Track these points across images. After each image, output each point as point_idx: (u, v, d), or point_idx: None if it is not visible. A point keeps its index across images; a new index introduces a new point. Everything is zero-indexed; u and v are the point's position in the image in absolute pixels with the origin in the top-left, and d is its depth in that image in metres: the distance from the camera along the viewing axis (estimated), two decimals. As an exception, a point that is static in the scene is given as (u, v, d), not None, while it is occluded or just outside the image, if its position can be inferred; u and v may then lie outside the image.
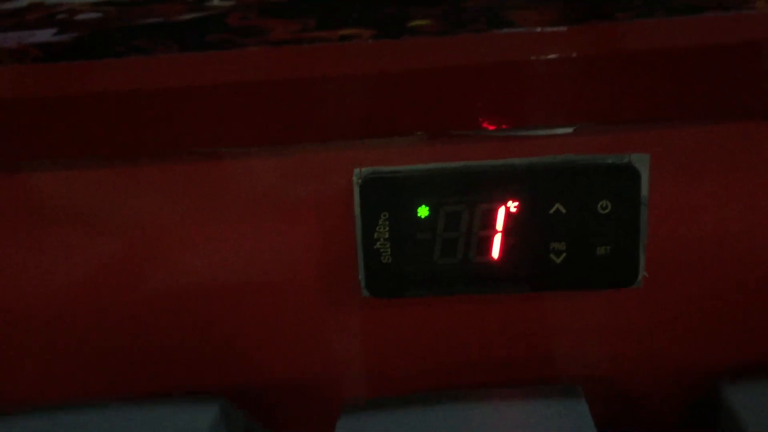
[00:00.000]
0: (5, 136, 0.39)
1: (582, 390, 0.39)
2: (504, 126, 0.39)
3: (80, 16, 0.31)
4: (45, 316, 0.46)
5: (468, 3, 0.32)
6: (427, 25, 0.33)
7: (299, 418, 0.47)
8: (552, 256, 0.42)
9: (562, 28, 0.36)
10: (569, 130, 0.41)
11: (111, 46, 0.33)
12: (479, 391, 0.41)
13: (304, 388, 0.47)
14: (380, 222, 0.42)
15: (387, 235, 0.42)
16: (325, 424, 0.41)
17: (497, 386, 0.44)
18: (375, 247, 0.42)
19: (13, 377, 0.47)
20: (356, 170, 0.42)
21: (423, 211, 0.42)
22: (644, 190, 0.40)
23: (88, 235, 0.44)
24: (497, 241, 0.42)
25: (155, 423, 0.38)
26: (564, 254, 0.41)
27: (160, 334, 0.46)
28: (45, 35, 0.34)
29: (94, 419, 0.39)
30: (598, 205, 0.41)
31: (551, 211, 0.41)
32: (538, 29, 0.36)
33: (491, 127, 0.39)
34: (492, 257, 0.42)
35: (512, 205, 0.41)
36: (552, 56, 0.36)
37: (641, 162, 0.40)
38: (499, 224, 0.42)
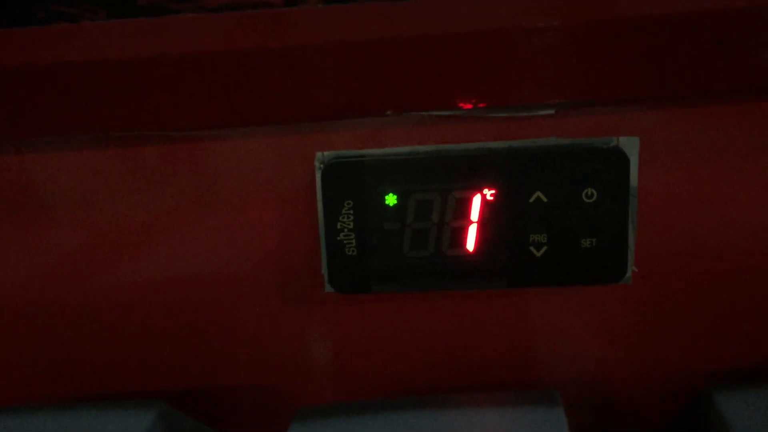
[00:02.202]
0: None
1: (560, 396, 0.36)
2: (480, 104, 0.36)
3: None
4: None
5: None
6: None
7: (256, 423, 0.44)
8: (532, 249, 0.38)
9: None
10: (551, 111, 0.37)
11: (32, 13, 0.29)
12: (447, 397, 0.37)
13: (261, 392, 0.43)
14: (344, 211, 0.38)
15: (351, 225, 0.39)
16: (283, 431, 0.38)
17: (471, 391, 0.41)
18: (338, 238, 0.39)
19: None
20: (318, 154, 0.38)
21: (391, 199, 0.38)
22: (633, 176, 0.37)
23: (26, 226, 0.41)
24: (472, 232, 0.38)
25: (85, 429, 0.35)
26: (545, 247, 0.38)
27: (103, 332, 0.42)
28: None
29: (19, 424, 0.36)
30: (583, 194, 0.37)
31: (531, 200, 0.38)
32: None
33: (466, 106, 0.36)
34: (466, 250, 0.39)
35: (489, 193, 0.38)
36: (535, 24, 0.32)
37: (630, 146, 0.37)
38: (475, 214, 0.38)
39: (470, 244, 0.38)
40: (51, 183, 0.40)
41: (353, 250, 0.39)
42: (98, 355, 0.43)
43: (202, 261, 0.41)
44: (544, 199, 0.37)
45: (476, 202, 0.38)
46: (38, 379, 0.43)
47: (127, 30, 0.30)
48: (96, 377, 0.43)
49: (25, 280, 0.42)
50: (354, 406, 0.37)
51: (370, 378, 0.42)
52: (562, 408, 0.34)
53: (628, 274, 0.38)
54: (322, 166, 0.38)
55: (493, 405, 0.36)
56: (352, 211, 0.38)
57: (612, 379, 0.42)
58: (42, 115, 0.35)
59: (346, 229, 0.39)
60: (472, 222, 0.38)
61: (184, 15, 0.30)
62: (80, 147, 0.39)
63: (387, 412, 0.35)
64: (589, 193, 0.37)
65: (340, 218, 0.39)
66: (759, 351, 0.40)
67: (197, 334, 0.42)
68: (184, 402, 0.42)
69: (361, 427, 0.34)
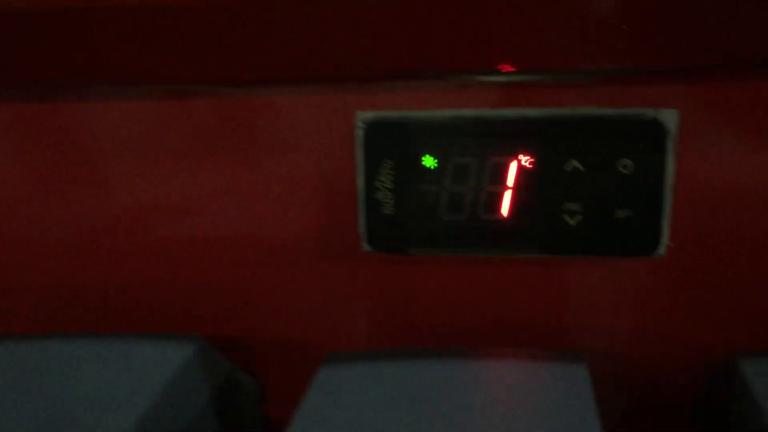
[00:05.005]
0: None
1: (587, 357, 0.36)
2: (521, 69, 0.36)
3: None
4: (40, 252, 0.45)
5: None
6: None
7: (288, 373, 0.45)
8: (566, 217, 0.38)
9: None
10: (592, 79, 0.37)
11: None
12: (475, 350, 0.38)
13: (298, 342, 0.45)
14: (383, 170, 0.39)
15: (390, 185, 0.40)
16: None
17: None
18: (376, 196, 0.40)
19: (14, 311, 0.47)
20: (359, 114, 0.39)
21: (429, 161, 0.39)
22: (671, 149, 0.37)
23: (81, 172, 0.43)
24: (507, 198, 0.39)
25: (128, 355, 0.37)
26: (579, 216, 0.38)
27: (153, 279, 0.45)
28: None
29: (69, 348, 0.38)
30: (620, 164, 0.37)
31: (567, 168, 0.38)
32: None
33: (507, 69, 0.36)
34: (501, 215, 0.39)
35: (525, 160, 0.38)
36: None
37: (669, 118, 0.37)
38: (510, 180, 0.39)
39: (505, 210, 0.39)
40: (93, 134, 0.43)
41: (391, 209, 0.40)
42: (150, 299, 0.45)
43: (242, 217, 0.42)
44: (581, 168, 0.38)
45: (512, 167, 0.38)
46: (95, 315, 0.46)
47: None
48: (141, 318, 0.46)
49: (76, 223, 0.44)
50: (382, 353, 0.38)
51: (403, 337, 0.43)
52: (586, 366, 0.34)
53: (662, 247, 0.38)
54: (363, 125, 0.39)
55: (515, 359, 0.37)
56: (391, 171, 0.39)
57: (641, 352, 0.41)
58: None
59: (383, 188, 0.40)
60: (507, 187, 0.39)
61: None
62: (124, 97, 0.41)
63: (413, 360, 0.36)
64: (626, 163, 0.37)
65: (379, 177, 0.40)
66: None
67: (237, 287, 0.44)
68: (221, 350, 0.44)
69: (387, 371, 0.35)
